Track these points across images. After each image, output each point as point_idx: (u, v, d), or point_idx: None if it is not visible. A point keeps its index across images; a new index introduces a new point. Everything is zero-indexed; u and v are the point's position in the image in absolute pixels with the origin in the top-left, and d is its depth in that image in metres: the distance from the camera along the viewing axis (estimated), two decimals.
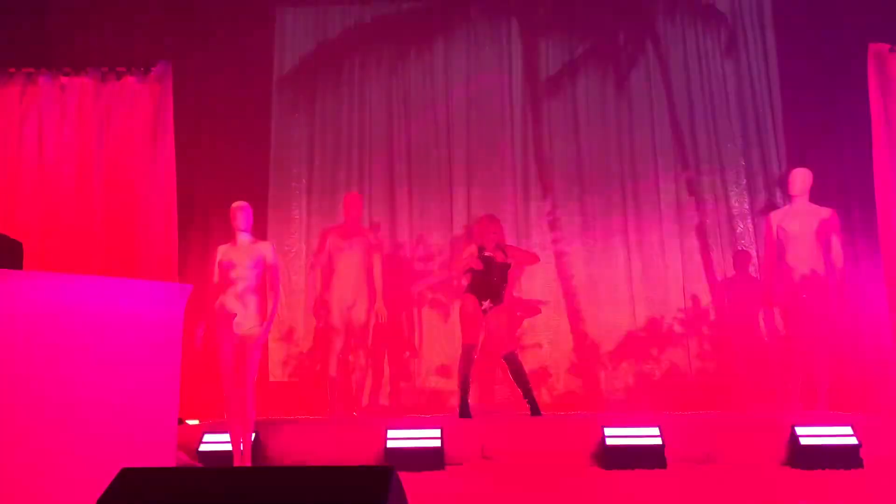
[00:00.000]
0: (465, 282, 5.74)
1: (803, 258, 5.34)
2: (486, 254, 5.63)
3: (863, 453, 4.71)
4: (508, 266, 5.71)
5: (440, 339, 6.56)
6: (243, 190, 5.86)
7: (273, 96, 6.96)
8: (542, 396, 6.20)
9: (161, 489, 2.01)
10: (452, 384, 6.38)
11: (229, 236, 4.89)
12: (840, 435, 4.76)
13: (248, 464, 4.64)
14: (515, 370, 5.62)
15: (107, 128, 6.03)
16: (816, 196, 5.50)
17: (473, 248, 5.64)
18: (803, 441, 4.76)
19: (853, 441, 4.72)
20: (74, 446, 3.39)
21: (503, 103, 6.92)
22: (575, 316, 6.55)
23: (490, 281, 5.64)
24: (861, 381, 5.81)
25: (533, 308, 6.23)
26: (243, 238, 4.82)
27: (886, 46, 5.74)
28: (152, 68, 6.11)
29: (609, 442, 4.85)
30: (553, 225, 6.69)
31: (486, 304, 5.61)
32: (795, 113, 6.55)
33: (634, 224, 6.64)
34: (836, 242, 5.36)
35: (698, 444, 4.93)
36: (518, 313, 6.24)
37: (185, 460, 4.78)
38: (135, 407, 3.70)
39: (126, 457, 3.50)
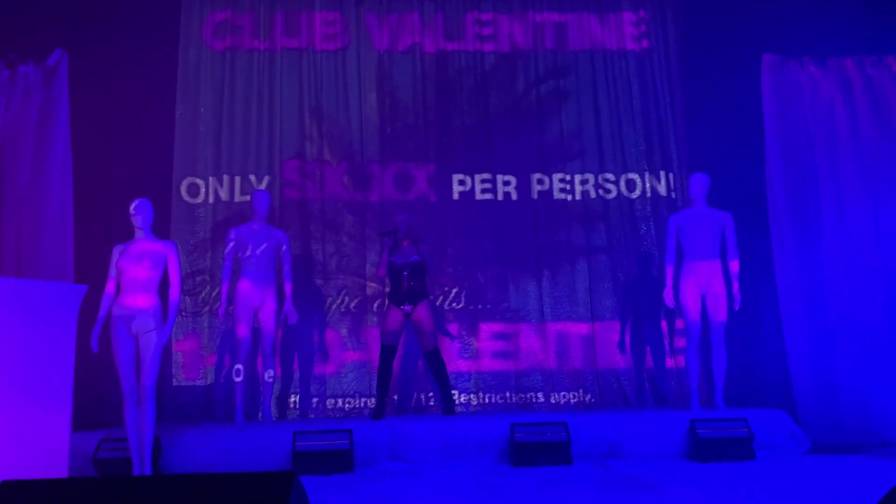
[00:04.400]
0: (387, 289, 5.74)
1: (701, 259, 5.56)
2: (393, 259, 5.66)
3: (755, 445, 4.96)
4: (420, 263, 5.71)
5: (352, 341, 6.49)
6: (145, 186, 5.63)
7: (178, 87, 6.72)
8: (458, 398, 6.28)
9: (47, 502, 1.90)
10: (365, 386, 6.34)
11: (129, 234, 4.69)
12: (735, 429, 5.00)
13: (148, 472, 4.47)
14: (436, 368, 5.64)
15: None
16: (714, 200, 5.74)
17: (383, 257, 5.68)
18: (701, 434, 4.98)
19: (746, 434, 4.96)
20: None
21: (415, 90, 6.90)
22: (481, 312, 6.60)
23: (402, 284, 5.65)
24: (754, 376, 6.09)
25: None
26: (143, 237, 4.64)
27: (779, 58, 6.07)
28: (47, 57, 5.81)
29: (518, 439, 4.93)
30: (462, 228, 6.71)
31: (406, 307, 5.63)
32: (695, 120, 6.81)
33: (544, 225, 6.74)
34: (731, 244, 5.61)
35: (602, 441, 5.07)
36: None
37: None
38: (23, 414, 3.51)
39: (12, 468, 3.31)
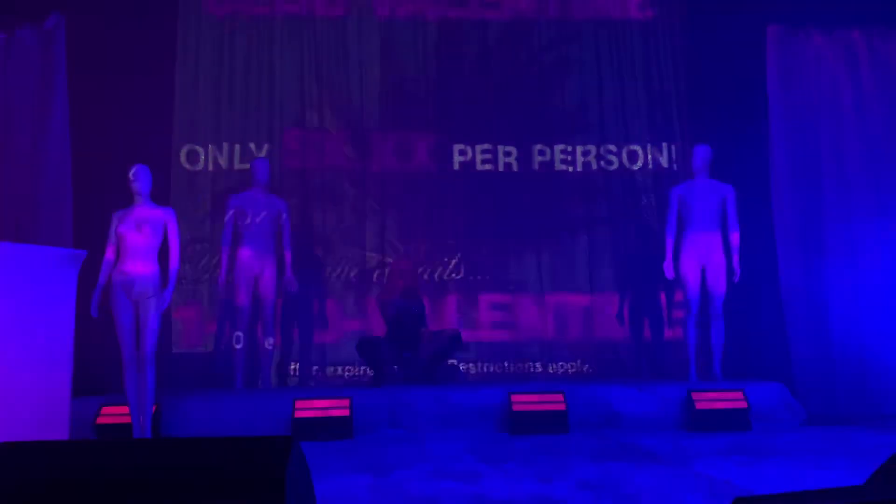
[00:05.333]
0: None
1: (702, 231, 5.55)
2: (397, 306, 5.72)
3: (751, 416, 4.99)
4: (421, 312, 5.79)
5: (353, 308, 6.51)
6: (144, 153, 5.59)
7: (178, 54, 6.65)
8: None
9: (43, 464, 1.91)
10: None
11: (128, 201, 4.67)
12: (732, 400, 5.02)
13: (149, 437, 4.50)
14: (450, 342, 5.69)
15: None
16: (716, 172, 5.71)
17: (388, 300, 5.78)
18: (698, 405, 5.00)
19: (743, 405, 4.99)
20: None
21: (416, 59, 6.83)
22: (481, 283, 6.60)
23: (403, 329, 5.70)
24: (753, 349, 6.11)
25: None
26: (143, 203, 4.62)
27: (784, 29, 6.00)
28: (44, 20, 5.74)
29: (516, 408, 4.96)
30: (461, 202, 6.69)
31: (407, 353, 5.71)
32: (699, 91, 6.74)
33: (545, 197, 6.71)
34: (732, 216, 5.60)
35: (600, 410, 5.10)
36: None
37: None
38: (23, 378, 3.52)
39: (13, 433, 3.33)
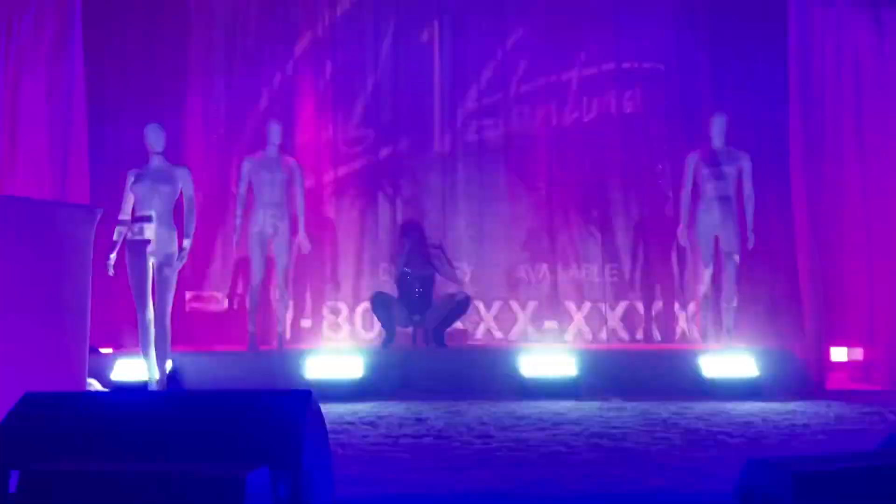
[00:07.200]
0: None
1: (717, 199, 5.51)
2: (406, 269, 5.74)
3: (761, 383, 5.00)
4: (431, 275, 5.78)
5: (365, 270, 6.53)
6: (160, 109, 5.59)
7: (192, 9, 6.59)
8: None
9: (67, 413, 1.95)
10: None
11: (143, 159, 4.68)
12: (742, 367, 5.04)
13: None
14: (459, 305, 5.73)
15: (7, 32, 5.60)
16: (733, 139, 5.65)
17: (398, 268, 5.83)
18: (707, 373, 5.02)
19: (754, 373, 5.00)
20: None
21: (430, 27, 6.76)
22: (492, 249, 6.61)
23: (412, 295, 5.72)
24: (766, 316, 6.09)
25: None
26: (158, 161, 4.63)
27: None
28: None
29: (526, 373, 5.00)
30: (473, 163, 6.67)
31: (416, 317, 5.72)
32: (718, 57, 6.62)
33: (558, 162, 6.67)
34: (748, 184, 5.55)
35: (611, 376, 5.13)
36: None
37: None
38: (42, 333, 3.56)
39: (33, 384, 3.38)
